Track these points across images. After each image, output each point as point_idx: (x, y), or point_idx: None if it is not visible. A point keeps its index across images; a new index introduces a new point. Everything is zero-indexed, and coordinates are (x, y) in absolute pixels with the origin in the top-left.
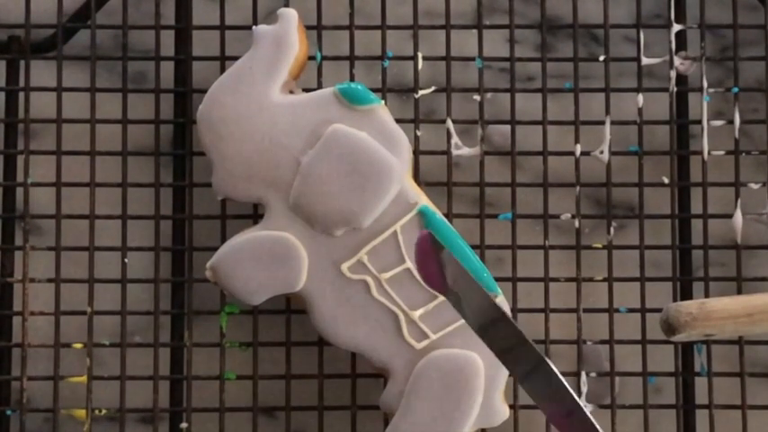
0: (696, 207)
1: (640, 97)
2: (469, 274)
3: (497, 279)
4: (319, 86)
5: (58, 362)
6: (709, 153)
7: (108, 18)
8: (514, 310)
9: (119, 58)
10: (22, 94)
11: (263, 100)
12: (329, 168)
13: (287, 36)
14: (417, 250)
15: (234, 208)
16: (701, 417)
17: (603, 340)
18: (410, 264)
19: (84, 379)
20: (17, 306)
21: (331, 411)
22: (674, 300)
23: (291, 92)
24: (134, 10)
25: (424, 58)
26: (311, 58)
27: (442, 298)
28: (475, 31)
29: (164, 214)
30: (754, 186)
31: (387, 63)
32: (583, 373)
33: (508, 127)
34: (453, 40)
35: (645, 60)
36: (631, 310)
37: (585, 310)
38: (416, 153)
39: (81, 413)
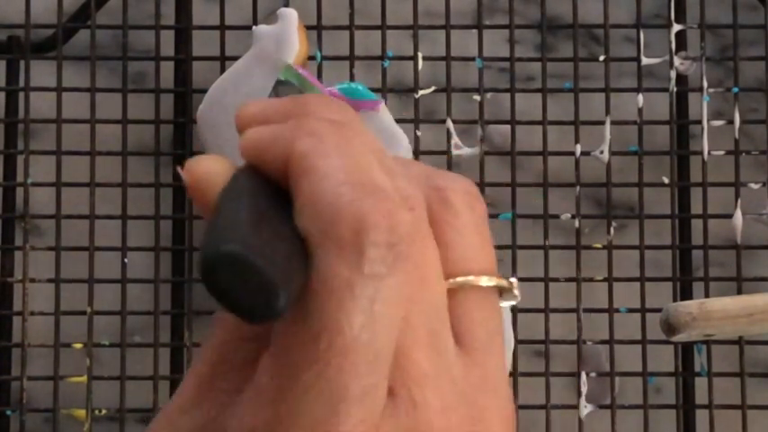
0: (696, 207)
1: (640, 97)
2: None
3: None
4: None
5: (58, 362)
6: (709, 153)
7: (108, 18)
8: (514, 310)
9: (119, 58)
10: (22, 94)
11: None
12: None
13: (287, 36)
14: None
15: None
16: (701, 417)
17: (603, 340)
18: None
19: (84, 379)
20: (17, 306)
21: None
22: (674, 300)
23: None
24: (134, 10)
25: (424, 58)
26: (311, 58)
27: None
28: (475, 31)
29: (164, 214)
30: (754, 186)
31: (387, 63)
32: (583, 373)
33: (508, 127)
34: (453, 40)
35: (645, 60)
36: (631, 310)
37: (585, 310)
38: (416, 153)
39: (81, 413)
